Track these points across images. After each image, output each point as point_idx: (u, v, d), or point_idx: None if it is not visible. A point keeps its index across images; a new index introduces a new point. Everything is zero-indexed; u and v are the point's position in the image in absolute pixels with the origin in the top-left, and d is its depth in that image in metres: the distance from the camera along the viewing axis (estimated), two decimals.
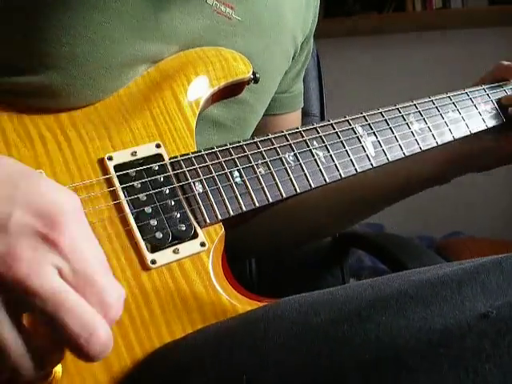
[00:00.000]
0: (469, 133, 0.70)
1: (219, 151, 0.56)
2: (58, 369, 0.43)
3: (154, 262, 0.48)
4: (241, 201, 0.54)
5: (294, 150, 0.58)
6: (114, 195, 0.50)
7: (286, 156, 0.58)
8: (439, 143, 0.67)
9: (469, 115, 0.71)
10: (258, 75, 0.65)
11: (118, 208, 0.49)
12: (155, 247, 0.49)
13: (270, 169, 0.56)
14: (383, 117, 0.65)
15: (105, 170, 0.51)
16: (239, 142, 0.57)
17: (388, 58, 2.51)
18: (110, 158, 0.51)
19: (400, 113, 0.67)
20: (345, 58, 2.36)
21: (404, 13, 2.37)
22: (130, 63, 0.56)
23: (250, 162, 0.56)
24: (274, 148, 0.58)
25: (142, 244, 0.49)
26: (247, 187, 0.55)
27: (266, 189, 0.55)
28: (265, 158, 0.57)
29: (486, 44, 2.44)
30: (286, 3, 0.71)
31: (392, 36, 2.50)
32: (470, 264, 0.42)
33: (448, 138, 0.68)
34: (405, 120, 0.66)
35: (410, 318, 0.38)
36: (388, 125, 0.65)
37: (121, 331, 0.46)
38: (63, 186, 0.39)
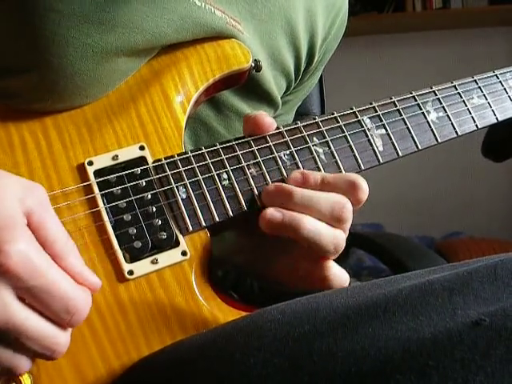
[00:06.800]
0: (495, 121, 0.63)
1: (207, 152, 0.53)
2: (27, 381, 0.43)
3: (131, 272, 0.47)
4: (227, 205, 0.51)
5: (290, 148, 0.55)
6: (93, 202, 0.48)
7: (281, 154, 0.54)
8: (459, 133, 0.61)
9: (497, 101, 0.63)
10: (260, 63, 0.60)
11: (97, 216, 0.48)
12: (133, 257, 0.48)
13: (261, 169, 0.53)
14: (396, 106, 0.60)
15: (84, 176, 0.49)
16: (230, 141, 0.54)
17: (388, 57, 2.49)
18: (91, 163, 0.50)
19: (416, 101, 0.61)
20: (345, 58, 2.39)
21: (404, 13, 2.37)
22: (126, 73, 0.53)
23: (241, 163, 0.53)
24: (268, 146, 0.54)
25: (120, 254, 0.47)
26: (235, 190, 0.52)
27: (256, 191, 0.52)
28: (256, 158, 0.53)
29: (486, 44, 2.41)
30: (301, 30, 0.65)
31: (392, 36, 2.49)
32: (464, 268, 0.40)
33: (470, 127, 0.62)
34: (421, 109, 0.60)
35: (398, 329, 0.36)
36: (401, 115, 0.59)
37: (96, 343, 0.45)
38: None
